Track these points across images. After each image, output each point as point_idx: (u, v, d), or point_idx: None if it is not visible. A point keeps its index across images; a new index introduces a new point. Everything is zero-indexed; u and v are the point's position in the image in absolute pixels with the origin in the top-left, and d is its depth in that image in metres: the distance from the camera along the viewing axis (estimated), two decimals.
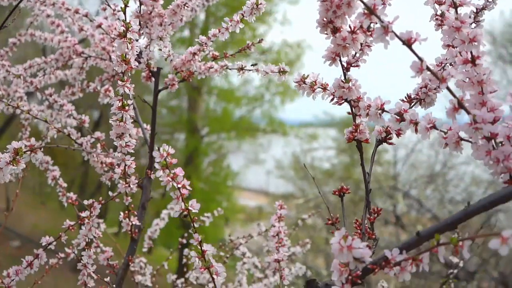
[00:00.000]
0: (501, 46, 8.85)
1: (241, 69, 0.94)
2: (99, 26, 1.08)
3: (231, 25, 0.90)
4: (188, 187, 0.62)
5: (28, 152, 0.66)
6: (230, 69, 0.97)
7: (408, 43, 0.51)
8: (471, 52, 0.54)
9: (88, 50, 1.27)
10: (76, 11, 1.11)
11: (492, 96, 0.54)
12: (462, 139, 0.55)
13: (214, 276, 0.64)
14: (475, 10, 0.72)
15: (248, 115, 12.26)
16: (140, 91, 1.15)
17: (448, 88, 0.51)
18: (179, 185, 0.62)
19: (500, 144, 0.52)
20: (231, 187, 11.91)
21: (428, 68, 0.50)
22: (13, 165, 0.68)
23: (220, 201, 11.14)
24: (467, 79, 0.54)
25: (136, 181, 0.91)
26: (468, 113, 0.51)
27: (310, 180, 8.82)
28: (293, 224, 1.70)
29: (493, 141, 0.53)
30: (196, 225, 0.65)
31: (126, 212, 0.97)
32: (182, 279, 1.47)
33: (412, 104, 0.69)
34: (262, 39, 0.98)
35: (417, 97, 0.68)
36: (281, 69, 0.85)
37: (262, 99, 12.18)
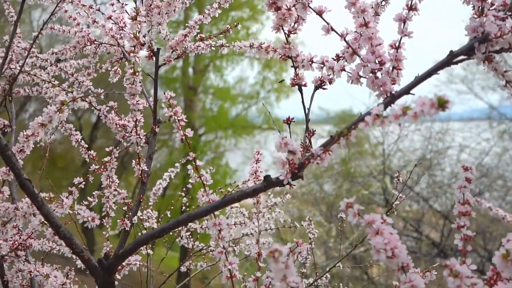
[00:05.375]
0: None
1: (222, 46, 1.23)
2: (109, 17, 1.37)
3: (212, 11, 1.19)
4: (185, 120, 0.90)
5: (71, 102, 0.94)
6: (213, 47, 1.25)
7: (320, 13, 0.80)
8: (364, 19, 0.82)
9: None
10: (90, 7, 1.39)
11: (380, 47, 0.83)
12: (361, 76, 0.83)
13: (205, 182, 0.93)
14: None
15: (244, 113, 12.55)
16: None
17: (346, 41, 0.80)
18: (179, 118, 0.90)
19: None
20: (230, 185, 12.17)
21: (332, 29, 0.79)
22: (60, 113, 0.96)
23: None
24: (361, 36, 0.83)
25: (145, 134, 1.20)
26: (359, 56, 0.80)
27: (309, 175, 9.10)
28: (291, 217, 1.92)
29: (380, 74, 0.82)
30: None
31: (137, 160, 1.25)
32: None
33: (340, 60, 0.97)
34: (238, 23, 1.27)
35: (343, 55, 0.97)
36: (251, 44, 1.13)
37: (258, 96, 12.48)
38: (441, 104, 0.57)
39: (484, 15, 0.72)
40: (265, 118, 12.30)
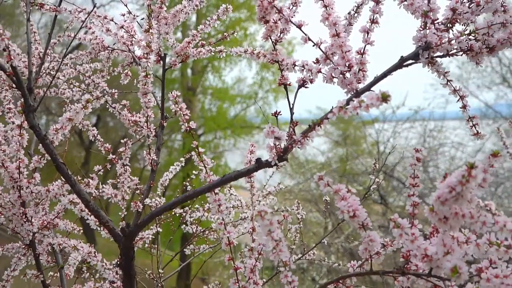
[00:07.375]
0: None
1: (220, 51, 1.43)
2: (122, 27, 1.56)
3: (212, 21, 1.38)
4: (188, 114, 1.09)
5: (96, 100, 1.13)
6: (213, 52, 1.45)
7: (299, 26, 0.99)
8: (335, 29, 1.01)
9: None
10: (105, 17, 1.58)
11: (349, 53, 1.02)
12: (333, 76, 1.02)
13: (206, 165, 1.12)
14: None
15: (242, 113, 12.73)
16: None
17: (320, 49, 0.99)
18: (184, 113, 1.09)
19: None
20: (229, 185, 12.36)
21: (309, 39, 0.98)
22: (84, 109, 1.15)
23: None
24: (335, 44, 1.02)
25: (155, 127, 1.39)
26: (331, 61, 0.99)
27: (306, 174, 9.28)
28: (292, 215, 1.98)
29: (348, 74, 1.01)
30: (196, 142, 1.12)
31: (148, 150, 1.44)
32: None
33: (319, 64, 1.16)
34: (234, 31, 1.46)
35: (320, 60, 1.16)
36: (246, 49, 1.32)
37: (256, 96, 12.65)
38: (384, 98, 0.76)
39: (427, 28, 0.91)
40: (264, 118, 12.45)
